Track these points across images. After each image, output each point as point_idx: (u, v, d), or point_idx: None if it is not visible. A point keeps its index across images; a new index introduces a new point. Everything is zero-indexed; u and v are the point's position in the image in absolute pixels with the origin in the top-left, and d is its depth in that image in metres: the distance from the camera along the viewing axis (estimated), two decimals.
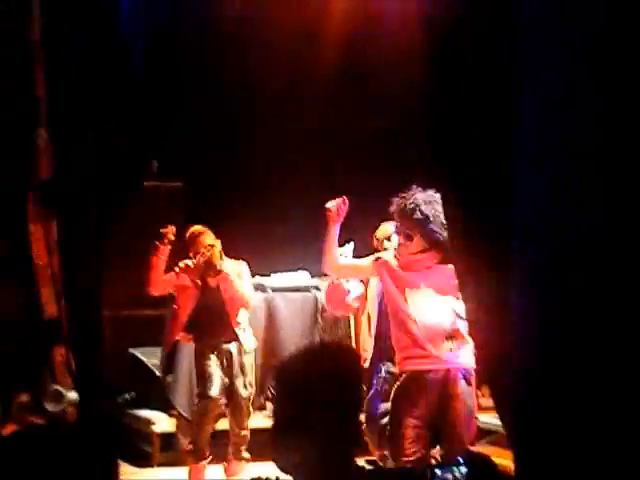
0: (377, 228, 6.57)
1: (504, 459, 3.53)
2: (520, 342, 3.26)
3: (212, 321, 6.76)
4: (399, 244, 5.65)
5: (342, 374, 2.41)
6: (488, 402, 7.42)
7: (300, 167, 8.18)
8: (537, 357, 3.16)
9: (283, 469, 2.42)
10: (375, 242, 6.51)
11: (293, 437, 2.34)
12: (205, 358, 6.62)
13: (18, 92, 6.81)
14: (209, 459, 6.59)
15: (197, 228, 6.89)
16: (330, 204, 5.50)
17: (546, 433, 3.05)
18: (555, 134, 3.29)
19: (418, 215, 5.37)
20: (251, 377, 6.71)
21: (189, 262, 6.87)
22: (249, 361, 6.75)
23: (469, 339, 5.37)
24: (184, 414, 7.32)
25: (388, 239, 6.37)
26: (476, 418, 5.87)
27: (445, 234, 5.21)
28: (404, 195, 5.55)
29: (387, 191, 8.12)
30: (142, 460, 7.12)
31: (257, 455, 6.58)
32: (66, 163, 7.38)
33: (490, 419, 7.06)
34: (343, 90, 8.51)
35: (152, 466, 7.19)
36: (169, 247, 6.82)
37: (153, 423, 7.29)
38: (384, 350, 6.14)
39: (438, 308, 5.51)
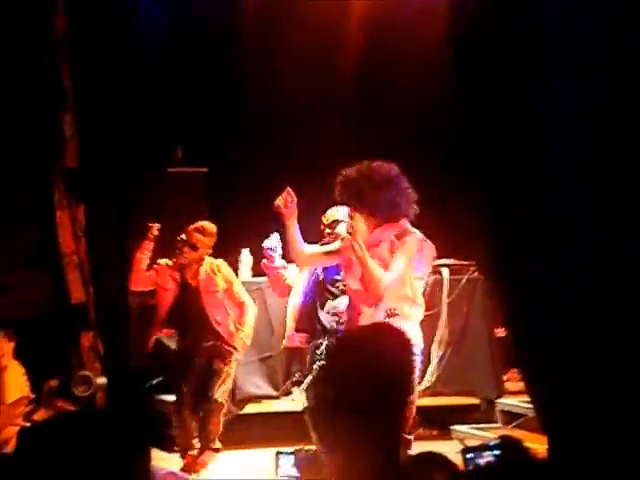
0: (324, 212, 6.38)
1: (531, 442, 3.56)
2: (554, 326, 3.27)
3: (191, 321, 6.66)
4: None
5: (392, 358, 2.38)
6: (515, 386, 7.46)
7: (324, 154, 8.19)
8: (571, 340, 3.17)
9: (323, 450, 2.42)
10: (322, 226, 6.36)
11: (339, 420, 2.31)
12: (183, 357, 6.52)
13: (44, 80, 6.86)
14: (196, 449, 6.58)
15: (191, 227, 6.64)
16: (277, 201, 5.21)
17: (579, 416, 3.06)
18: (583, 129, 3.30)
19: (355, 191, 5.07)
20: (231, 370, 6.54)
21: (168, 261, 6.74)
22: (227, 367, 6.55)
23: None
24: None
25: (334, 222, 6.16)
26: None
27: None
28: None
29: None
30: (169, 445, 7.17)
31: (282, 439, 6.63)
32: (92, 150, 7.45)
33: (517, 403, 7.09)
34: (367, 89, 8.51)
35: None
36: (152, 243, 6.67)
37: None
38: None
39: None
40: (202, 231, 6.65)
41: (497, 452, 2.74)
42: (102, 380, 7.02)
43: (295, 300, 6.25)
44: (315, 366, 5.33)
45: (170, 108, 8.18)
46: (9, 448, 5.50)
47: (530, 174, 3.70)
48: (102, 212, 7.71)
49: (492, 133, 3.71)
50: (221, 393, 6.61)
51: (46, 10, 6.75)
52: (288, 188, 5.14)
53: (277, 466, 5.98)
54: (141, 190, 7.87)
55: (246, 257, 7.76)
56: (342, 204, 5.40)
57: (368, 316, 4.96)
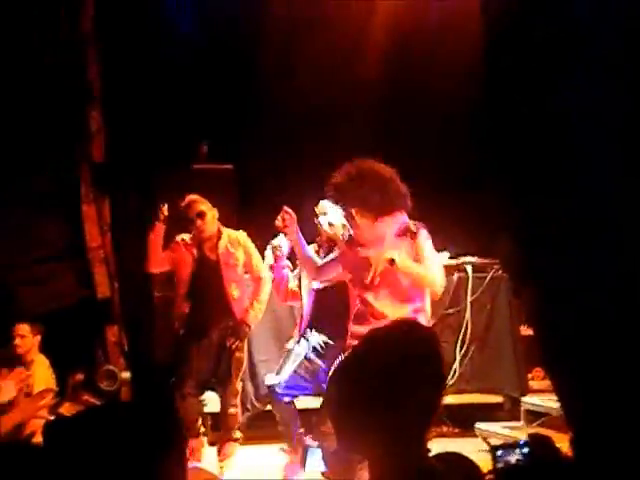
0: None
1: (556, 441, 3.54)
2: (581, 325, 3.26)
3: (207, 297, 6.57)
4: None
5: (423, 354, 2.37)
6: (540, 385, 7.44)
7: (349, 153, 8.17)
8: (598, 339, 3.15)
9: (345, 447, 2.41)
10: (315, 219, 6.34)
11: (364, 415, 2.31)
12: (194, 335, 6.43)
13: (71, 75, 6.91)
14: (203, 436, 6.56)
15: (189, 197, 6.56)
16: (276, 221, 5.25)
17: (607, 415, 3.04)
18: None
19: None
20: (243, 355, 6.48)
21: (185, 236, 6.64)
22: (240, 352, 6.51)
23: None
24: None
25: (323, 214, 6.15)
26: None
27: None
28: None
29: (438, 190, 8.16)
30: None
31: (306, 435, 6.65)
32: (118, 145, 7.50)
33: (542, 402, 7.06)
34: (393, 89, 8.50)
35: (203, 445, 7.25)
36: (164, 225, 6.62)
37: (205, 403, 7.37)
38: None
39: None
40: (194, 200, 6.62)
41: (526, 450, 2.74)
42: (127, 375, 7.06)
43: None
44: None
45: (195, 104, 8.21)
46: (34, 441, 5.55)
47: (558, 172, 3.69)
48: (128, 207, 7.76)
49: (521, 131, 3.71)
50: (238, 380, 6.64)
51: (74, 5, 6.79)
52: (285, 207, 5.20)
53: (304, 460, 5.99)
54: (167, 186, 7.90)
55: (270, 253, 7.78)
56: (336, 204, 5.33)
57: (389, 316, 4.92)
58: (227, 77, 8.33)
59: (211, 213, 6.60)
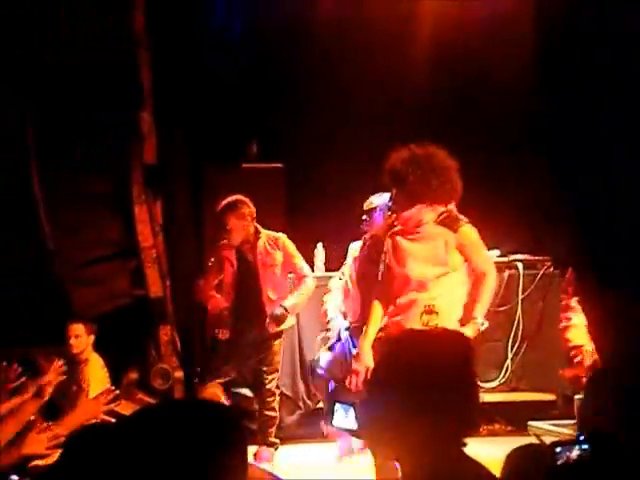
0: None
1: None
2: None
3: (247, 300, 6.59)
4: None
5: (455, 358, 2.37)
6: None
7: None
8: None
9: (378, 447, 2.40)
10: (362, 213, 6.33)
11: (402, 422, 2.31)
12: (235, 342, 6.43)
13: (123, 78, 6.98)
14: None
15: (227, 201, 6.54)
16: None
17: None
18: None
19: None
20: (278, 358, 6.46)
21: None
22: (278, 342, 6.49)
23: None
24: (286, 392, 7.43)
25: (372, 210, 6.11)
26: None
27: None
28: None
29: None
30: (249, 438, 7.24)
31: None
32: (169, 146, 7.57)
33: None
34: (441, 88, 8.46)
35: (255, 442, 7.26)
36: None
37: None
38: None
39: None
40: (230, 210, 6.61)
41: (586, 446, 2.71)
42: (179, 374, 7.12)
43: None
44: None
45: (244, 103, 8.25)
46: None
47: (616, 173, 3.68)
48: (179, 207, 7.83)
49: (582, 132, 3.70)
50: (273, 381, 6.62)
51: (125, 7, 6.87)
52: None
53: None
54: (216, 186, 7.96)
55: (320, 251, 7.80)
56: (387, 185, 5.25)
57: (404, 312, 4.87)
58: (277, 76, 8.36)
59: (241, 223, 6.57)
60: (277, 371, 6.73)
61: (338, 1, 8.41)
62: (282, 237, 6.72)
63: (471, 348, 2.44)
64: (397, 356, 2.40)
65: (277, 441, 6.73)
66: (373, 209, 6.17)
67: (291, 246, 6.73)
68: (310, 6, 8.37)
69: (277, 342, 6.70)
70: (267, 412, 6.65)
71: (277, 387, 6.80)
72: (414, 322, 4.76)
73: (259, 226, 6.71)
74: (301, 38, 8.29)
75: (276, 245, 6.63)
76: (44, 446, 4.61)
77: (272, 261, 6.62)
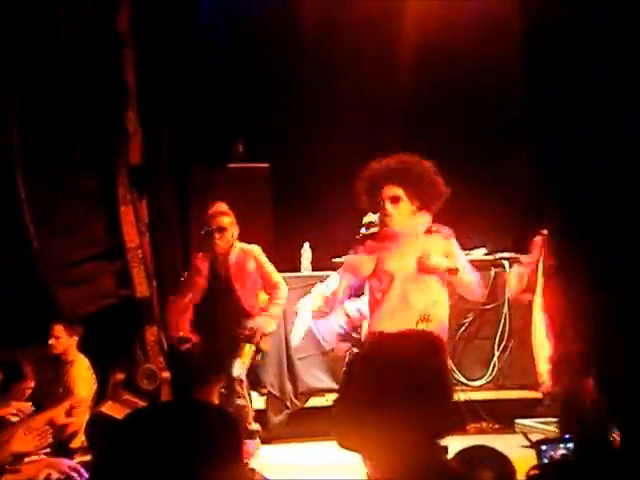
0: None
1: None
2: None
3: (219, 308, 6.66)
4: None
5: (429, 360, 2.38)
6: None
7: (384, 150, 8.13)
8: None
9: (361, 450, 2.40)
10: (362, 226, 6.36)
11: (376, 421, 2.31)
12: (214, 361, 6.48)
13: (108, 76, 6.95)
14: None
15: (217, 207, 6.61)
16: None
17: None
18: None
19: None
20: (245, 359, 6.49)
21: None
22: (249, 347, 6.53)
23: None
24: (273, 392, 7.43)
25: (370, 224, 6.17)
26: None
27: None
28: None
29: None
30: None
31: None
32: (155, 146, 7.54)
33: None
34: (428, 89, 8.46)
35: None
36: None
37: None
38: None
39: None
40: (225, 212, 6.72)
41: (571, 445, 2.72)
42: (166, 374, 7.10)
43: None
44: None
45: (230, 103, 8.24)
46: (75, 443, 5.61)
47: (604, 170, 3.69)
48: (165, 207, 7.81)
49: (569, 130, 3.71)
50: (238, 368, 6.63)
51: (110, 7, 6.84)
52: None
53: None
54: (203, 185, 7.95)
55: (307, 251, 7.80)
56: (391, 183, 5.26)
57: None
58: (263, 76, 8.35)
59: (231, 231, 6.71)
60: (242, 358, 6.67)
61: (325, 0, 8.41)
62: (254, 249, 6.81)
63: (443, 348, 2.46)
64: (368, 356, 2.41)
65: (257, 427, 6.76)
66: (372, 223, 6.21)
67: (261, 256, 6.83)
68: (297, 6, 8.36)
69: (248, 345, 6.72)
70: (238, 401, 6.64)
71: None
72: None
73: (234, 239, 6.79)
74: (289, 38, 8.29)
75: (248, 256, 6.72)
76: (33, 444, 4.62)
77: (247, 268, 6.68)
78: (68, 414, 5.57)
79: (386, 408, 2.27)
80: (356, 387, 2.37)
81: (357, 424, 2.32)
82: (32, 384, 5.55)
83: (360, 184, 5.27)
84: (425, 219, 5.16)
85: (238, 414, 6.60)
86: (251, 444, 6.67)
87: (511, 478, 2.48)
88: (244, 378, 6.73)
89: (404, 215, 5.09)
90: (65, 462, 4.64)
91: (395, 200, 5.12)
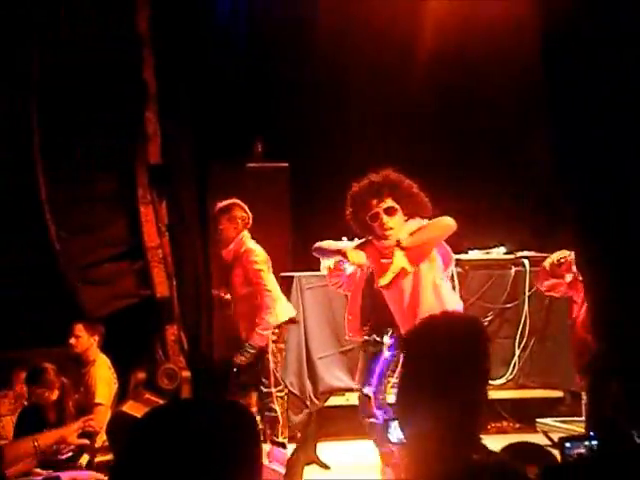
0: None
1: None
2: None
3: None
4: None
5: (471, 346, 2.38)
6: None
7: (399, 151, 8.17)
8: None
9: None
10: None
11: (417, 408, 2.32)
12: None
13: (128, 78, 6.99)
14: None
15: (228, 203, 6.51)
16: None
17: None
18: None
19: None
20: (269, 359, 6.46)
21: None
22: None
23: None
24: (294, 391, 7.44)
25: None
26: None
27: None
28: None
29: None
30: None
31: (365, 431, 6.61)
32: (174, 146, 7.58)
33: None
34: (444, 89, 8.46)
35: (264, 442, 7.25)
36: None
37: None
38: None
39: None
40: (226, 211, 6.56)
41: (595, 442, 2.70)
42: (186, 373, 7.13)
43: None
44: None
45: (250, 103, 8.24)
46: (97, 443, 5.63)
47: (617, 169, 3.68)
48: (184, 207, 7.83)
49: (587, 130, 3.69)
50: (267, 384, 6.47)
51: (129, 8, 6.87)
52: None
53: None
54: (221, 185, 7.96)
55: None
56: (385, 198, 5.23)
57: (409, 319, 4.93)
58: (282, 76, 8.35)
59: (232, 226, 6.41)
60: (268, 372, 6.54)
61: (343, 2, 8.41)
62: (251, 252, 6.42)
63: (488, 339, 2.45)
64: (416, 342, 2.42)
65: (284, 442, 6.67)
66: None
67: (255, 262, 6.40)
68: (315, 6, 8.36)
69: (272, 346, 6.56)
70: (266, 412, 6.57)
71: (275, 386, 6.64)
72: None
73: (246, 235, 6.50)
74: (307, 37, 8.29)
75: (241, 257, 6.47)
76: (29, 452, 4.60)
77: (237, 276, 6.43)
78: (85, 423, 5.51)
79: (430, 395, 2.29)
80: (410, 370, 2.38)
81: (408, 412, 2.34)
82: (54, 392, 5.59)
83: (348, 203, 5.20)
84: (415, 224, 5.11)
85: (268, 424, 6.56)
86: (278, 451, 6.52)
87: (557, 473, 2.47)
88: (272, 390, 6.54)
89: (400, 225, 5.07)
90: None
91: (391, 212, 5.10)
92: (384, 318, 5.43)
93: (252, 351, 6.39)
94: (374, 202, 5.06)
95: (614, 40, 3.79)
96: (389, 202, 5.06)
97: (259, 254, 6.40)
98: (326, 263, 6.13)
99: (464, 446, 2.29)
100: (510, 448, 2.85)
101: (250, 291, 6.42)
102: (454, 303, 5.12)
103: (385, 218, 5.04)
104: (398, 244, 4.96)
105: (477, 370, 2.39)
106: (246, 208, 6.52)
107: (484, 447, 2.34)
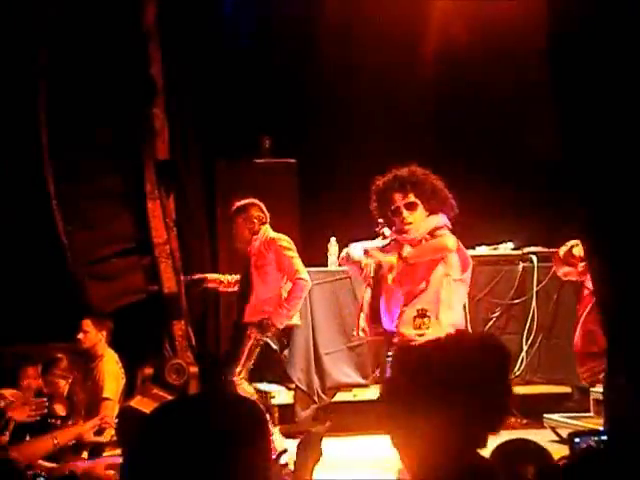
0: None
1: None
2: None
3: (241, 292, 6.58)
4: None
5: (487, 359, 2.37)
6: None
7: (407, 148, 8.15)
8: None
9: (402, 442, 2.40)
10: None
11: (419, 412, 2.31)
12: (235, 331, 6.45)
13: (135, 73, 7.00)
14: None
15: (243, 203, 6.55)
16: None
17: None
18: None
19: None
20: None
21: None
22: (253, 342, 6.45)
23: None
24: (301, 387, 7.45)
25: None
26: None
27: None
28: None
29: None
30: None
31: (373, 427, 6.60)
32: (182, 142, 7.58)
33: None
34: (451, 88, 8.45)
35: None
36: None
37: (272, 396, 7.43)
38: None
39: None
40: (241, 210, 6.58)
41: (604, 437, 2.70)
42: (194, 369, 7.13)
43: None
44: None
45: (257, 99, 8.25)
46: (105, 438, 5.64)
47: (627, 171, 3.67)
48: (192, 203, 7.84)
49: (593, 132, 3.67)
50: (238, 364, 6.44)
51: (137, 3, 6.87)
52: None
53: None
54: (229, 180, 7.97)
55: (334, 246, 7.77)
56: (407, 193, 5.25)
57: (404, 314, 5.08)
58: (290, 72, 8.35)
59: (246, 225, 6.50)
60: (246, 356, 6.52)
61: (350, 2, 8.41)
62: (278, 239, 6.52)
63: (505, 354, 2.43)
64: (432, 350, 2.40)
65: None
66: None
67: (284, 248, 6.51)
68: (322, 4, 8.36)
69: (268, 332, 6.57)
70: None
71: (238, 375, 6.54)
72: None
73: (267, 228, 6.57)
74: (315, 35, 8.29)
75: (269, 247, 6.52)
76: (27, 413, 4.62)
77: (263, 261, 6.51)
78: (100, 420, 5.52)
79: (435, 405, 2.27)
80: (409, 381, 2.36)
81: (404, 417, 2.32)
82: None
83: (372, 197, 5.28)
84: (435, 220, 5.14)
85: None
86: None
87: (553, 472, 2.46)
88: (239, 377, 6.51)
89: (420, 221, 5.12)
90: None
91: (412, 207, 5.13)
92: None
93: (272, 330, 6.50)
94: (397, 196, 5.13)
95: (621, 39, 3.77)
96: (411, 197, 5.11)
97: (285, 239, 6.52)
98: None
99: (466, 453, 2.28)
100: (504, 446, 2.83)
101: (276, 278, 6.50)
102: (451, 312, 5.11)
103: (405, 213, 5.10)
104: (400, 256, 5.07)
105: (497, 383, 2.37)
106: (263, 207, 6.59)
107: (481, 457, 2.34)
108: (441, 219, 5.18)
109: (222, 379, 6.55)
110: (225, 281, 6.93)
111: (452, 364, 2.30)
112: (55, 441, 4.62)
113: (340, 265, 6.43)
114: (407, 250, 5.15)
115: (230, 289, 6.89)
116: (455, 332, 2.49)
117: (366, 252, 5.37)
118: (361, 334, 5.93)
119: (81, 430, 5.15)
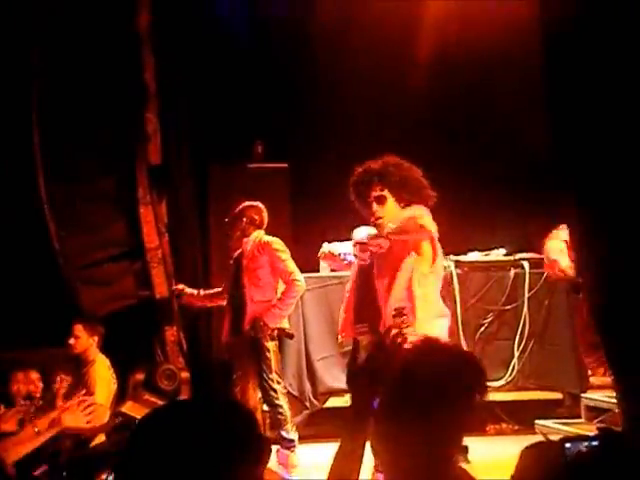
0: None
1: None
2: None
3: (235, 295, 6.59)
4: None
5: (460, 370, 2.39)
6: (600, 381, 7.34)
7: (402, 150, 8.14)
8: None
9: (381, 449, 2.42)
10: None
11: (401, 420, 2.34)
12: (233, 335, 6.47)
13: (127, 77, 7.00)
14: None
15: (241, 207, 6.58)
16: None
17: None
18: None
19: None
20: (270, 355, 6.37)
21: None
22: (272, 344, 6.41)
23: None
24: (293, 392, 7.43)
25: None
26: None
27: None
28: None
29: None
30: None
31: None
32: (174, 147, 7.58)
33: (602, 398, 6.95)
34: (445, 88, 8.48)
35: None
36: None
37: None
38: None
39: None
40: (237, 214, 6.60)
41: (596, 443, 2.70)
42: (186, 374, 7.13)
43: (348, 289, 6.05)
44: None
45: (249, 104, 8.25)
46: (97, 440, 5.62)
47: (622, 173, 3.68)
48: (184, 208, 7.83)
49: (588, 134, 3.69)
50: (269, 374, 6.43)
51: (130, 8, 6.88)
52: None
53: None
54: (221, 185, 7.96)
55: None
56: (374, 187, 5.22)
57: (386, 312, 4.96)
58: (282, 77, 8.36)
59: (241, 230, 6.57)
60: (269, 365, 6.52)
61: (342, 2, 8.42)
62: (271, 242, 6.54)
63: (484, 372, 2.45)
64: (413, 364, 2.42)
65: (293, 437, 6.56)
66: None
67: (278, 251, 6.53)
68: (315, 7, 8.38)
69: (271, 343, 6.54)
70: (271, 409, 6.54)
71: (278, 383, 6.61)
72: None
73: (260, 232, 6.59)
74: (307, 39, 8.30)
75: (263, 250, 6.53)
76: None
77: (255, 264, 6.52)
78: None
79: (410, 416, 2.29)
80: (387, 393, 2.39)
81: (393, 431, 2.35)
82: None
83: (350, 190, 5.28)
84: (411, 211, 5.07)
85: (273, 423, 6.52)
86: (283, 454, 6.49)
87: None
88: (277, 387, 6.49)
89: (392, 214, 5.07)
90: None
91: (381, 200, 5.11)
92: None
93: (266, 329, 6.44)
94: (366, 191, 5.13)
95: (615, 40, 3.79)
96: (379, 191, 5.10)
97: (278, 242, 6.52)
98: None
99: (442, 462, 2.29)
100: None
101: (270, 281, 6.51)
102: (428, 305, 5.03)
103: (375, 207, 5.09)
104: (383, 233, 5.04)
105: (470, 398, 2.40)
106: (262, 212, 6.62)
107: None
108: (418, 210, 5.05)
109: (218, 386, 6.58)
110: (196, 293, 6.89)
111: (423, 380, 2.33)
112: (35, 429, 4.56)
113: (320, 259, 6.38)
114: (389, 226, 5.05)
115: (209, 304, 6.90)
116: (429, 345, 2.50)
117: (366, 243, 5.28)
118: (339, 338, 5.96)
119: (58, 413, 5.08)
